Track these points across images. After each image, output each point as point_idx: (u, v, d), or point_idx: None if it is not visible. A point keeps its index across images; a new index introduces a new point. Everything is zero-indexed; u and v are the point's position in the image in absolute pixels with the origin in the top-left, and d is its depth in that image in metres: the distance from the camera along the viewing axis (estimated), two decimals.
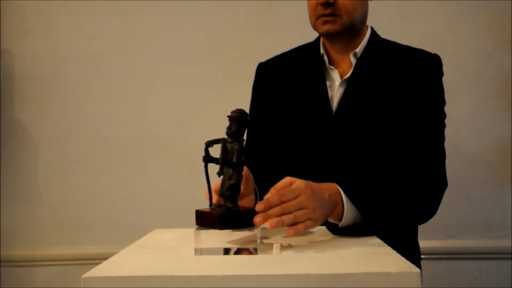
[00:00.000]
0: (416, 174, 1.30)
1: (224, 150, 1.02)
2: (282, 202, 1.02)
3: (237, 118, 1.03)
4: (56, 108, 2.28)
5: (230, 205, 1.01)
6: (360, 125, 1.35)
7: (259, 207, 1.01)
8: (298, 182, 1.07)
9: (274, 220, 0.99)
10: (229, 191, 1.02)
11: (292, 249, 1.02)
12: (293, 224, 1.02)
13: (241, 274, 0.81)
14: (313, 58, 1.46)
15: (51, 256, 2.26)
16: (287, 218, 1.01)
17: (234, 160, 1.02)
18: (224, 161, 1.02)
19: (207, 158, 1.02)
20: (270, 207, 1.01)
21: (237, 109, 1.04)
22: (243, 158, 1.02)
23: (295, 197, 1.04)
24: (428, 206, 1.32)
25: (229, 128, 1.03)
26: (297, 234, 1.02)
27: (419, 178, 1.29)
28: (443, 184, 1.36)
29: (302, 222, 1.03)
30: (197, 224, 1.01)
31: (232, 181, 1.01)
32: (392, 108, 1.35)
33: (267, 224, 1.00)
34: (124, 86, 2.29)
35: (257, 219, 0.99)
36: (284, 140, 1.44)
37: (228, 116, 1.04)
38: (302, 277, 0.81)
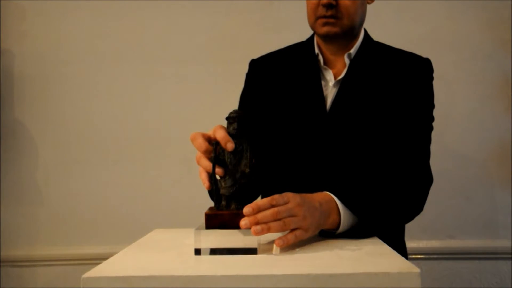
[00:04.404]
0: (402, 174, 1.30)
1: (235, 151, 1.01)
2: (272, 206, 0.98)
3: (238, 118, 1.02)
4: (56, 108, 2.28)
5: (239, 205, 1.00)
6: (353, 124, 1.36)
7: (246, 210, 0.95)
8: (286, 192, 1.03)
9: (259, 227, 0.93)
10: (240, 191, 1.00)
11: (292, 249, 1.01)
12: (281, 230, 0.97)
13: (241, 274, 0.81)
14: (307, 57, 1.45)
15: (51, 256, 2.26)
16: (274, 225, 0.95)
17: (244, 160, 1.01)
18: (232, 161, 1.01)
19: (216, 158, 1.01)
20: (259, 211, 0.96)
21: (235, 110, 1.04)
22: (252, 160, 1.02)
23: (285, 203, 0.99)
24: (415, 203, 1.32)
25: (232, 128, 1.02)
26: (286, 245, 0.97)
27: (405, 177, 1.30)
28: (429, 180, 1.36)
29: (291, 232, 0.98)
30: (208, 227, 0.97)
31: (243, 181, 1.01)
32: (383, 109, 1.36)
33: (251, 230, 0.94)
34: (124, 86, 2.29)
35: (242, 222, 0.94)
36: (276, 137, 1.43)
37: (228, 118, 1.03)
38: (302, 277, 0.81)
